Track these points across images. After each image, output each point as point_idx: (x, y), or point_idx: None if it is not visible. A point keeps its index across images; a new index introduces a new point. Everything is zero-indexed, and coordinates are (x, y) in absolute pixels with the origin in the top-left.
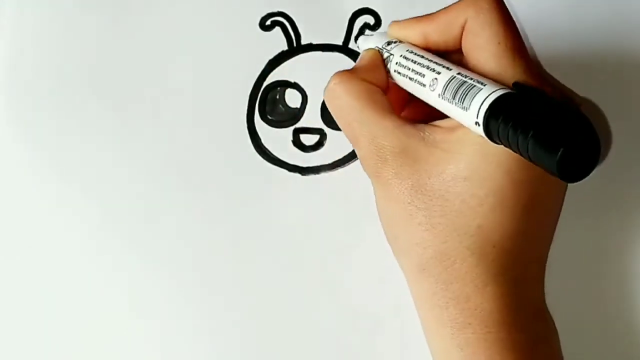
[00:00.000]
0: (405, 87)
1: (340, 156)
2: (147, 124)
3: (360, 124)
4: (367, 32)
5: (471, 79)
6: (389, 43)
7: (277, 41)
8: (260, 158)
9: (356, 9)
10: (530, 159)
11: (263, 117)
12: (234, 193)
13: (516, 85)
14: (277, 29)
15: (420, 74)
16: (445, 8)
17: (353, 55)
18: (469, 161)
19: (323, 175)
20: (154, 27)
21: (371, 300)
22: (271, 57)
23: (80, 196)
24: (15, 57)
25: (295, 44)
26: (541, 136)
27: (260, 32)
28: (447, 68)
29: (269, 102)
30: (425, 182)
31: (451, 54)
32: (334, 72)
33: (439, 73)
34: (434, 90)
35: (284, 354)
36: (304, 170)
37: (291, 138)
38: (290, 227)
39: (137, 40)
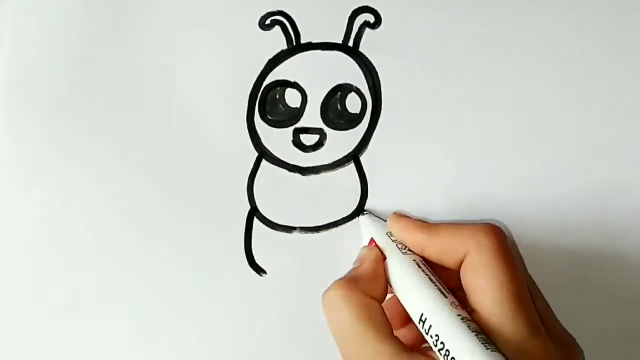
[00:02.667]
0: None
1: (341, 156)
2: (147, 124)
3: (356, 344)
4: (367, 211)
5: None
6: (390, 239)
7: (276, 40)
8: (261, 158)
9: (356, 7)
10: None
11: (263, 117)
12: (234, 193)
13: None
14: (277, 28)
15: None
16: (446, 228)
17: (353, 54)
18: None
19: (323, 175)
20: (154, 27)
21: None
22: (271, 56)
23: (80, 196)
24: (15, 57)
25: (295, 43)
26: None
27: (260, 32)
28: (441, 317)
29: (269, 102)
30: None
31: (449, 271)
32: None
33: (432, 316)
34: (427, 333)
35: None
36: (304, 171)
37: (291, 138)
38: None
39: (137, 40)
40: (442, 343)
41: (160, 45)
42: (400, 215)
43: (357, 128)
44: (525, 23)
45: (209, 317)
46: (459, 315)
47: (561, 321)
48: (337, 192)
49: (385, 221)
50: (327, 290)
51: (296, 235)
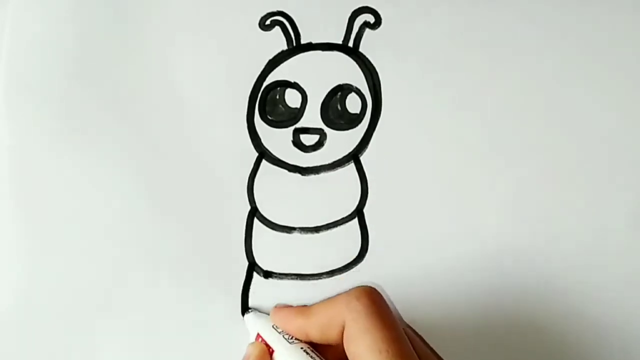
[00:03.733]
0: None
1: (340, 156)
2: (147, 123)
3: None
4: (252, 308)
5: None
6: (277, 330)
7: (276, 41)
8: (261, 158)
9: (356, 7)
10: None
11: (263, 117)
12: (234, 193)
13: None
14: (277, 28)
15: None
16: (321, 305)
17: (353, 54)
18: None
19: (323, 175)
20: (154, 27)
21: None
22: (271, 56)
23: (79, 196)
24: (15, 57)
25: (295, 44)
26: None
27: (260, 32)
28: None
29: (269, 102)
30: None
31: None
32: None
33: None
34: None
35: None
36: (304, 171)
37: (291, 138)
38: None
39: (137, 40)
40: None
41: (160, 45)
42: (281, 307)
43: (357, 128)
44: (526, 23)
45: (208, 317)
46: None
47: None
48: (337, 192)
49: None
50: None
51: (296, 235)
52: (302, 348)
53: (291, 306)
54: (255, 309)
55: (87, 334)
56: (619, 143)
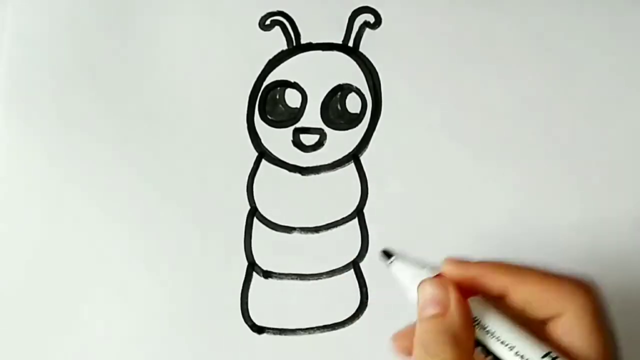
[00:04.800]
0: None
1: (340, 156)
2: (147, 123)
3: None
4: (388, 252)
5: None
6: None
7: (276, 41)
8: (260, 158)
9: (356, 7)
10: None
11: (263, 117)
12: (234, 193)
13: None
14: (277, 28)
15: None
16: (537, 276)
17: (353, 54)
18: None
19: (323, 175)
20: (154, 27)
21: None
22: (271, 56)
23: (79, 196)
24: (15, 57)
25: (295, 44)
26: None
27: (260, 32)
28: None
29: (269, 102)
30: None
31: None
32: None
33: None
34: None
35: None
36: (304, 170)
37: (291, 138)
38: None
39: (137, 40)
40: None
41: (160, 45)
42: (460, 261)
43: (357, 128)
44: (526, 24)
45: (208, 317)
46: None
47: None
48: (337, 192)
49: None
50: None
51: (296, 235)
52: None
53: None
54: (399, 255)
55: (86, 333)
56: (621, 144)
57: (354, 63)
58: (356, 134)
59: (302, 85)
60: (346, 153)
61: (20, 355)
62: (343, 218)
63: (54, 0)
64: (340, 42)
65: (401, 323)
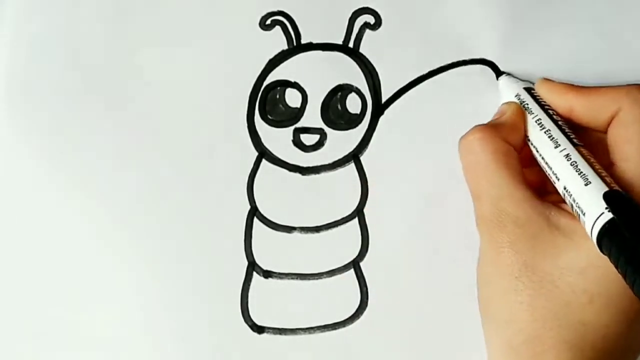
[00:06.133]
0: (534, 154)
1: (341, 156)
2: (147, 123)
3: (490, 185)
4: (507, 74)
5: (577, 204)
6: (532, 95)
7: (277, 40)
8: (261, 158)
9: (356, 8)
10: (636, 294)
11: (263, 117)
12: (234, 193)
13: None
14: (277, 28)
15: (551, 157)
16: (597, 88)
17: (353, 54)
18: (588, 255)
19: (323, 175)
20: (154, 27)
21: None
22: (271, 56)
23: (80, 196)
24: (15, 57)
25: (295, 43)
26: None
27: (260, 32)
28: (576, 164)
29: (269, 102)
30: (538, 262)
31: (592, 132)
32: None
33: (556, 178)
34: (558, 180)
35: None
36: (304, 170)
37: (291, 138)
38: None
39: (137, 40)
40: (573, 201)
41: (160, 44)
42: (547, 79)
43: (357, 128)
44: (526, 23)
45: (208, 317)
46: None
47: None
48: (337, 192)
49: (525, 81)
50: (465, 134)
51: (296, 235)
52: (555, 117)
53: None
54: (510, 74)
55: (85, 333)
56: None
57: (355, 63)
58: (356, 134)
59: (303, 85)
60: (346, 153)
61: (19, 355)
62: (343, 218)
63: (54, 1)
64: (341, 43)
65: (401, 323)
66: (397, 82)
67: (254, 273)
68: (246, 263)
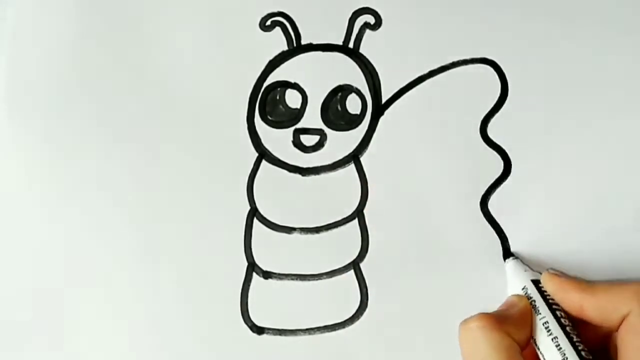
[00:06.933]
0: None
1: (341, 157)
2: (147, 124)
3: None
4: (515, 258)
5: None
6: (540, 291)
7: (277, 41)
8: (261, 158)
9: (356, 8)
10: None
11: (263, 118)
12: (234, 193)
13: None
14: (277, 29)
15: None
16: (603, 286)
17: (353, 55)
18: None
19: (323, 176)
20: (154, 27)
21: None
22: (271, 57)
23: (79, 197)
24: (15, 57)
25: (295, 44)
26: None
27: (260, 32)
28: None
29: (269, 103)
30: None
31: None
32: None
33: None
34: None
35: None
36: (304, 171)
37: (291, 138)
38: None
39: (137, 41)
40: None
41: (161, 45)
42: (554, 274)
43: (357, 128)
44: (527, 22)
45: (208, 317)
46: None
47: None
48: (337, 192)
49: (534, 271)
50: (468, 319)
51: (296, 235)
52: (561, 317)
53: (561, 275)
54: (518, 257)
55: (84, 333)
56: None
57: (355, 64)
58: (356, 134)
59: (303, 86)
60: (346, 154)
61: (19, 355)
62: (343, 218)
63: (54, 1)
64: (341, 43)
65: (401, 324)
66: (397, 82)
67: (254, 274)
68: (246, 264)
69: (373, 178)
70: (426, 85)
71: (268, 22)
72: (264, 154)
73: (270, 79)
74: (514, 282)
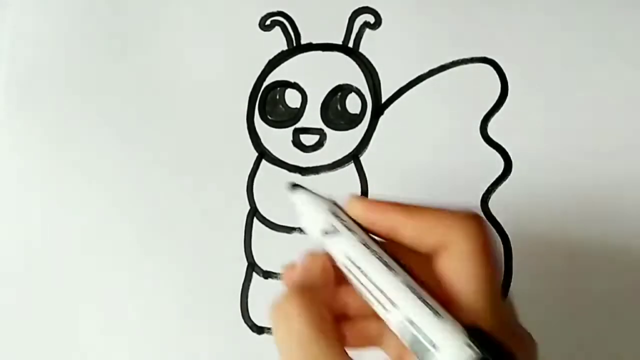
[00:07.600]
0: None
1: (340, 156)
2: (147, 124)
3: (306, 355)
4: (302, 188)
5: (425, 336)
6: (340, 219)
7: (276, 41)
8: (260, 158)
9: (356, 7)
10: None
11: (263, 117)
12: (234, 193)
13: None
14: (277, 28)
15: (372, 295)
16: (426, 210)
17: (353, 54)
18: None
19: (323, 175)
20: (154, 27)
21: None
22: (271, 57)
23: (79, 196)
24: (15, 57)
25: (295, 44)
26: None
27: (260, 32)
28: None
29: (269, 102)
30: None
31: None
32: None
33: (392, 306)
34: (395, 309)
35: None
36: (304, 171)
37: (291, 138)
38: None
39: (137, 41)
40: (418, 332)
41: (161, 45)
42: (360, 196)
43: (357, 128)
44: (527, 22)
45: (208, 317)
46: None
47: None
48: (337, 192)
49: (326, 200)
50: (279, 299)
51: (296, 235)
52: (364, 243)
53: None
54: (304, 187)
55: (84, 332)
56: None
57: (354, 63)
58: (356, 134)
59: (302, 86)
60: (346, 153)
61: (18, 356)
62: None
63: (54, 1)
64: (341, 43)
65: None
66: (397, 82)
67: (254, 273)
68: (246, 263)
69: (373, 177)
70: (426, 85)
71: (268, 22)
72: (263, 153)
73: (270, 79)
74: (309, 221)
